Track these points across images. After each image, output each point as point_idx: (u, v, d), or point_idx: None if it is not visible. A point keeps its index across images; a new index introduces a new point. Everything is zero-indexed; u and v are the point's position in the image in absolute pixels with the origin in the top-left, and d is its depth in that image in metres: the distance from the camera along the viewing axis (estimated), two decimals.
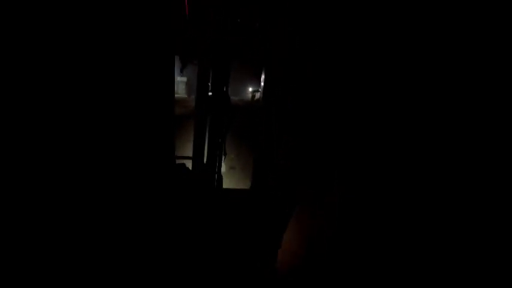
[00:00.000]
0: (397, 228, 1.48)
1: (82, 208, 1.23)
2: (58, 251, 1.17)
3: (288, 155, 1.84)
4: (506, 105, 1.15)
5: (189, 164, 2.14)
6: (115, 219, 1.35)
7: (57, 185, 1.15)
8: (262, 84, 1.95)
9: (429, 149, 1.36)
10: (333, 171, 1.80)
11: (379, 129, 1.56)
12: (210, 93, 1.96)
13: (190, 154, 2.16)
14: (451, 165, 1.30)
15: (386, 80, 1.50)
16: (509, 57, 1.14)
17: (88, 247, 1.26)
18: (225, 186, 2.32)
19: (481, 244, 1.20)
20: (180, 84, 16.00)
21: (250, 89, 19.58)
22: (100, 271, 1.30)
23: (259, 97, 2.12)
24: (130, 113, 1.32)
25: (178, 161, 2.11)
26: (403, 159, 1.46)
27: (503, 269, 1.15)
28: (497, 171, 1.18)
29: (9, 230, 1.07)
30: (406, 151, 1.45)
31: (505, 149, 1.16)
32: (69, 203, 1.19)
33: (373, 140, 1.59)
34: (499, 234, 1.17)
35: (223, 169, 2.27)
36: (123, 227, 1.39)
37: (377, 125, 1.56)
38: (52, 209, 1.15)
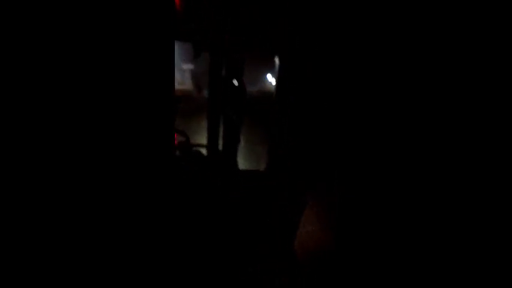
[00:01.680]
0: (397, 228, 1.48)
1: (81, 202, 1.27)
2: (58, 247, 1.25)
3: (288, 155, 1.86)
4: (506, 106, 1.11)
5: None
6: (116, 213, 1.40)
7: (54, 179, 1.19)
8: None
9: (429, 149, 1.34)
10: (333, 171, 1.80)
11: (379, 129, 1.54)
12: (225, 85, 1.98)
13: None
14: (450, 165, 1.27)
15: (386, 80, 1.47)
16: (509, 57, 1.08)
17: (90, 237, 1.33)
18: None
19: (480, 244, 1.19)
20: (186, 72, 13.72)
21: (269, 76, 17.67)
22: (104, 261, 1.38)
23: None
24: (126, 104, 1.31)
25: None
26: (403, 159, 1.44)
27: (503, 269, 1.13)
28: (497, 172, 1.15)
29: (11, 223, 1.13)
30: (406, 151, 1.43)
31: (503, 149, 1.12)
32: (67, 197, 1.23)
33: (373, 140, 1.58)
34: (498, 234, 1.15)
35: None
36: (125, 220, 1.45)
37: (377, 125, 1.55)
38: (51, 204, 1.20)
